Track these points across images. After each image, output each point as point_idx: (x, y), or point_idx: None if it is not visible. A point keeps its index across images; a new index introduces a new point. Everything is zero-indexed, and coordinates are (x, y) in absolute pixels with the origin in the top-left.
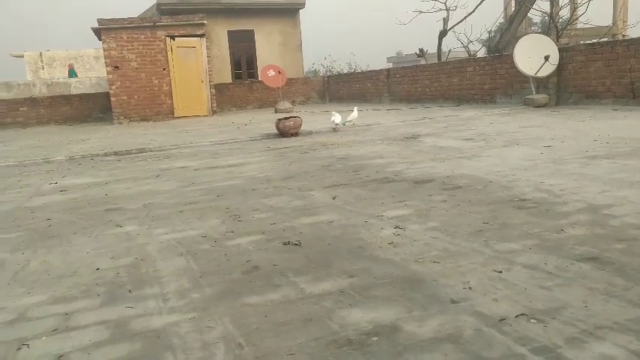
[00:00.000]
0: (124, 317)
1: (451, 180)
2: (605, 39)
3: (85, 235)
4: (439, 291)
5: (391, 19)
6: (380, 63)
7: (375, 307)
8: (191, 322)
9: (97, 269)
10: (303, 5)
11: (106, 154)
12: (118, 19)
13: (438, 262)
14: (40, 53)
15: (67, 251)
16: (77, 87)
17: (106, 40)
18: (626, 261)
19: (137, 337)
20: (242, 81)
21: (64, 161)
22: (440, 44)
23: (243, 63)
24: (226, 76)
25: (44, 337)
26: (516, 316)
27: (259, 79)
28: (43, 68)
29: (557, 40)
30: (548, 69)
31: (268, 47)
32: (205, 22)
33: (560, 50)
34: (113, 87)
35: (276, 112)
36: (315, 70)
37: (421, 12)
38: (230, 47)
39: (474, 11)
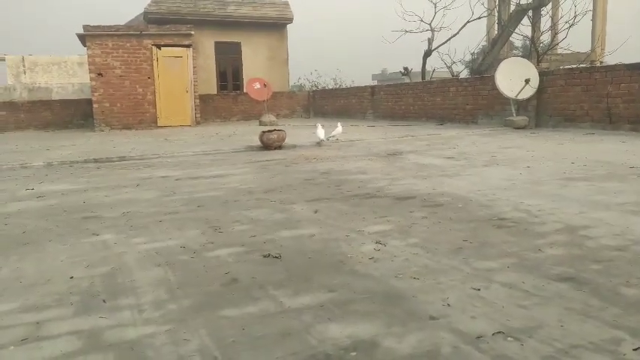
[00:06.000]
0: (97, 327)
1: (432, 197)
2: (583, 65)
3: (61, 242)
4: (418, 307)
5: (377, 37)
6: (365, 79)
7: (355, 322)
8: (167, 333)
9: (71, 278)
10: (291, 20)
11: (85, 162)
12: (103, 26)
13: (418, 279)
14: (23, 57)
15: (41, 259)
16: (59, 92)
17: (90, 47)
18: (602, 282)
19: (110, 348)
20: (227, 92)
21: (42, 167)
22: (424, 64)
23: (229, 75)
24: (211, 87)
25: (12, 347)
26: (493, 334)
27: (244, 91)
28: (24, 72)
29: (537, 64)
30: (528, 92)
31: (255, 60)
32: (193, 32)
33: (540, 74)
34: (96, 94)
35: (260, 124)
36: (300, 84)
37: (407, 32)
38: (216, 58)
39: (457, 33)
